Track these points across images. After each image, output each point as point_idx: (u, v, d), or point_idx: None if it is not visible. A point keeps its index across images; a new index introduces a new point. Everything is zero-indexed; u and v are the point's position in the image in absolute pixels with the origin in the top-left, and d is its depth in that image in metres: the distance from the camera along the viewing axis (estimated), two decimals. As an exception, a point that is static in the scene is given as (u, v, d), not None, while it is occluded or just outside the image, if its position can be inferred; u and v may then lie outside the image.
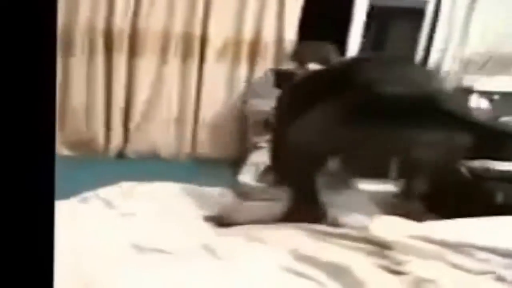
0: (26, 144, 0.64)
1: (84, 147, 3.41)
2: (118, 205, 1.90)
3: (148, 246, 1.67)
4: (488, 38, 3.14)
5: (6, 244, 0.67)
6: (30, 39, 0.61)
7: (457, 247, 1.79)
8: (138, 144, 3.50)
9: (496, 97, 3.01)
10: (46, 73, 0.64)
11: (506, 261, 1.75)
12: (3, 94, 0.62)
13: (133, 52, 3.31)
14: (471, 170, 2.82)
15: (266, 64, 3.38)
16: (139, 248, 1.65)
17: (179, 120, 3.49)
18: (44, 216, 0.67)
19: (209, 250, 1.68)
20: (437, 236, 1.84)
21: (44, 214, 0.67)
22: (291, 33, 3.35)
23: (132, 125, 3.48)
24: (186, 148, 3.51)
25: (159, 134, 3.50)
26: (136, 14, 3.24)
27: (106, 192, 1.94)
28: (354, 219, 2.02)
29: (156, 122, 3.48)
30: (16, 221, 0.66)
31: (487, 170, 2.79)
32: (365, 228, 1.90)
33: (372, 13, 3.36)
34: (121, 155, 3.52)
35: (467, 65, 3.13)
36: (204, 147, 3.51)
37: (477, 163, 2.85)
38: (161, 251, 1.66)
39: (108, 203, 1.90)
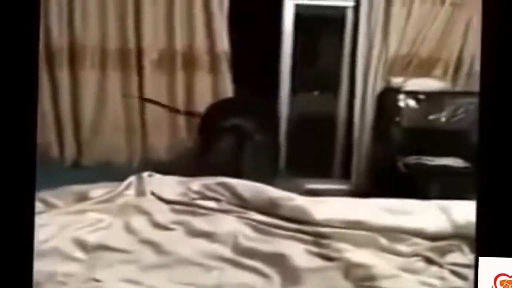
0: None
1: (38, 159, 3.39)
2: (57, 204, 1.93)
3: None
4: (406, 42, 3.28)
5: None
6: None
7: (388, 232, 1.90)
8: (91, 154, 3.53)
9: (422, 96, 3.18)
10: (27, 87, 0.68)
11: (432, 244, 1.88)
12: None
13: (73, 66, 3.40)
14: (407, 165, 2.98)
15: (202, 74, 3.49)
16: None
17: (127, 128, 3.54)
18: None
19: (151, 244, 1.73)
20: (370, 219, 1.95)
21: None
22: (222, 43, 3.46)
23: (83, 136, 3.52)
24: (137, 154, 3.57)
25: (110, 143, 3.55)
26: (71, 30, 3.33)
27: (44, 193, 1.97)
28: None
29: (105, 131, 3.52)
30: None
31: (421, 165, 2.95)
32: (306, 212, 2.00)
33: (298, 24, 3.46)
34: (76, 165, 3.54)
35: (391, 67, 3.27)
36: (154, 152, 3.57)
37: (412, 159, 3.01)
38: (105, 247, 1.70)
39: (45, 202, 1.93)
